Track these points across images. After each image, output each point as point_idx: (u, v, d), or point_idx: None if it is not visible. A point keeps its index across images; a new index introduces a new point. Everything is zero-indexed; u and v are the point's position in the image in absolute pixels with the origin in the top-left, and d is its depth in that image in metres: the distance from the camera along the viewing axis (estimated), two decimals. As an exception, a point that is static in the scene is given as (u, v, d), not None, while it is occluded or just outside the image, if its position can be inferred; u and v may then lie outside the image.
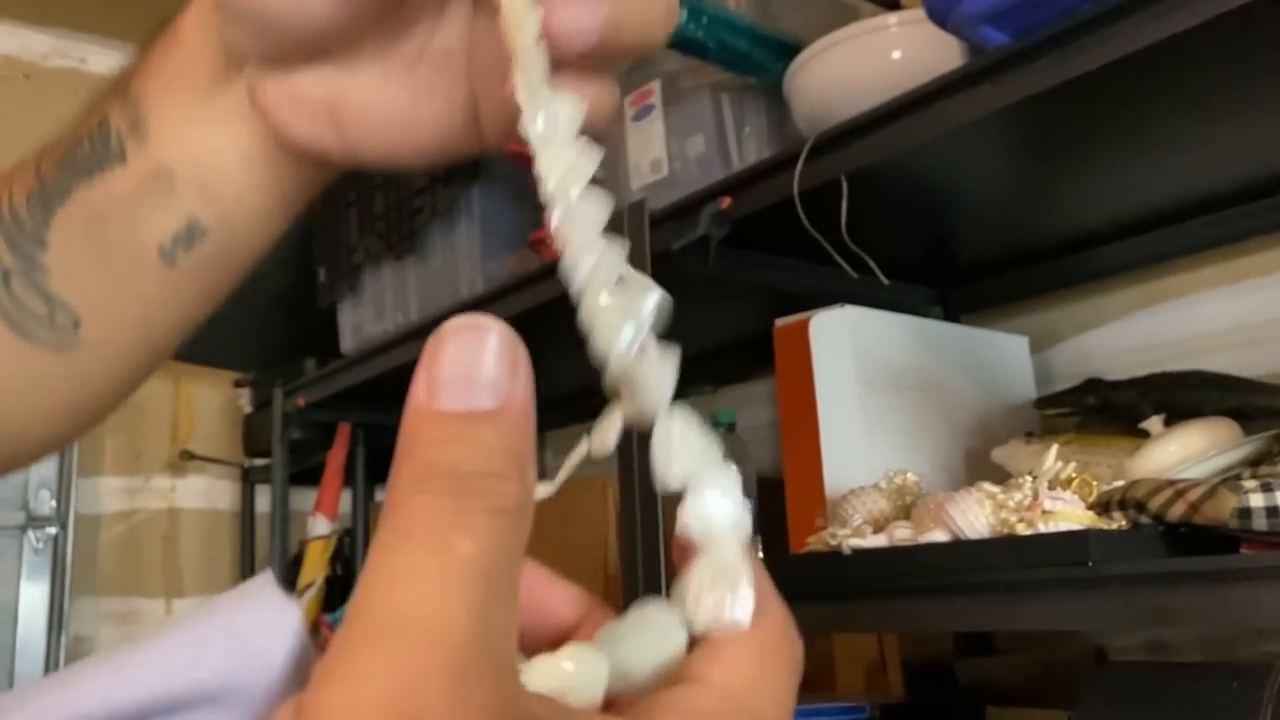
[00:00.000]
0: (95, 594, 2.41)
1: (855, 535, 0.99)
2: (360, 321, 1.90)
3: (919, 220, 1.22)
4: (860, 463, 1.10)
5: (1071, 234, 1.25)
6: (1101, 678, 0.89)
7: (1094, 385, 1.06)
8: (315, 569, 2.05)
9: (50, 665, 2.30)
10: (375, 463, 2.11)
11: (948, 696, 1.16)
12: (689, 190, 1.16)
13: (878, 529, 1.01)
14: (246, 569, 2.48)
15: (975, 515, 0.90)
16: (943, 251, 1.33)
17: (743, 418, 1.37)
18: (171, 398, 2.56)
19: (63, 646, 2.31)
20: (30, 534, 2.35)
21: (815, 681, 1.42)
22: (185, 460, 2.48)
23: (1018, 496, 0.89)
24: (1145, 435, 0.98)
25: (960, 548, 0.89)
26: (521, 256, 1.54)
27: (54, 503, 2.38)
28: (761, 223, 1.10)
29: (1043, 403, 1.11)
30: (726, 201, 1.10)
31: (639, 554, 1.18)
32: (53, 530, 2.36)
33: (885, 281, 1.16)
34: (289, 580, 2.11)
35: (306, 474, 2.16)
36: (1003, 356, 1.29)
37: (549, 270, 1.39)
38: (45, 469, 2.39)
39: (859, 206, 1.05)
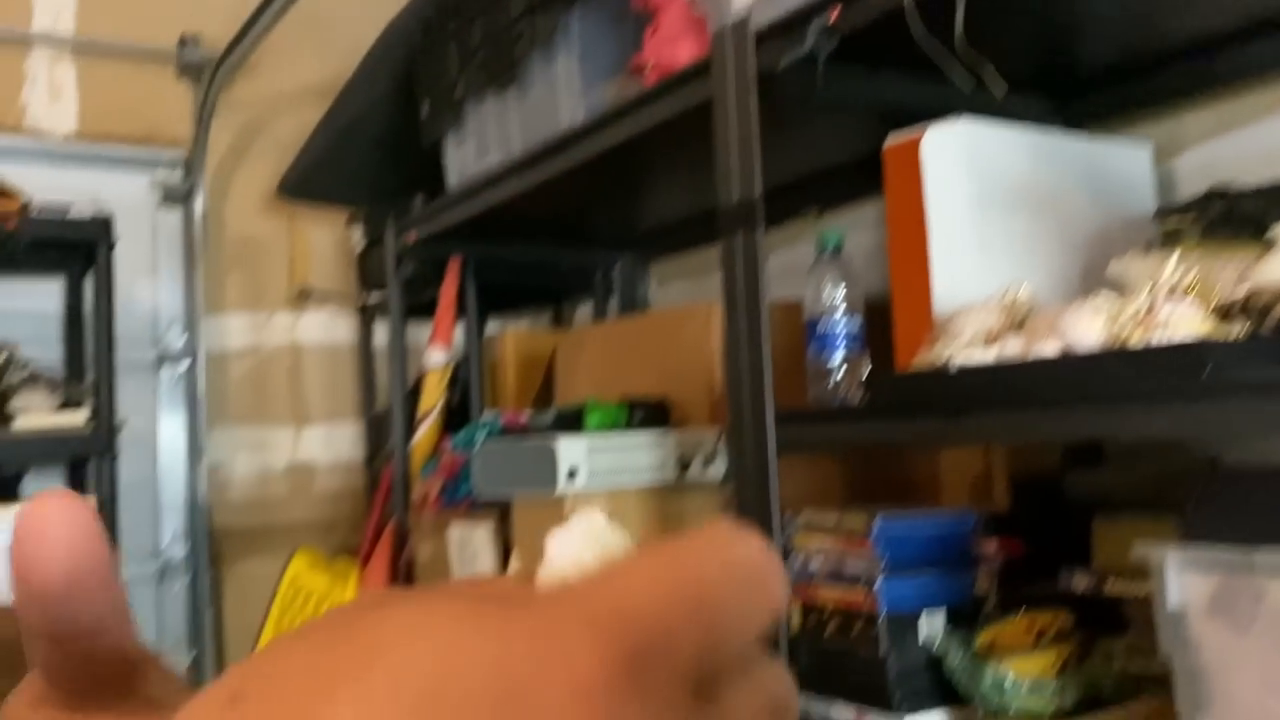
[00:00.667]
0: (229, 424, 2.56)
1: (964, 351, 1.00)
2: (465, 156, 1.92)
3: (1038, 25, 1.16)
4: (971, 281, 1.10)
5: (1200, 35, 1.19)
6: (1214, 483, 0.90)
7: (1219, 194, 1.03)
8: (433, 397, 2.15)
9: (191, 492, 2.47)
10: (486, 294, 2.17)
11: (1054, 508, 1.18)
12: (794, 4, 1.13)
13: (988, 345, 1.01)
14: (368, 400, 2.61)
15: (1089, 327, 0.90)
16: (1063, 58, 1.27)
17: (850, 241, 1.36)
18: (286, 236, 2.64)
19: (201, 474, 2.48)
20: (164, 369, 2.49)
21: (920, 497, 1.45)
22: (304, 297, 2.58)
23: (1133, 307, 0.88)
24: (1271, 244, 0.95)
25: (1072, 360, 0.89)
26: (622, 83, 1.52)
27: (184, 339, 2.51)
28: (871, 36, 1.07)
29: (1164, 214, 1.08)
30: (835, 13, 1.07)
31: (744, 375, 1.20)
32: (184, 365, 2.50)
33: (1002, 93, 1.12)
34: (409, 410, 2.21)
35: (421, 307, 2.23)
36: (1124, 167, 1.25)
37: (651, 97, 1.37)
38: (174, 307, 2.52)
39: (975, 13, 1.01)
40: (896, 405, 1.05)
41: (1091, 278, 1.13)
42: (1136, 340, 0.85)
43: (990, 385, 0.95)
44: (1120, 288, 0.97)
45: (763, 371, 1.18)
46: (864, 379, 1.16)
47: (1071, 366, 0.88)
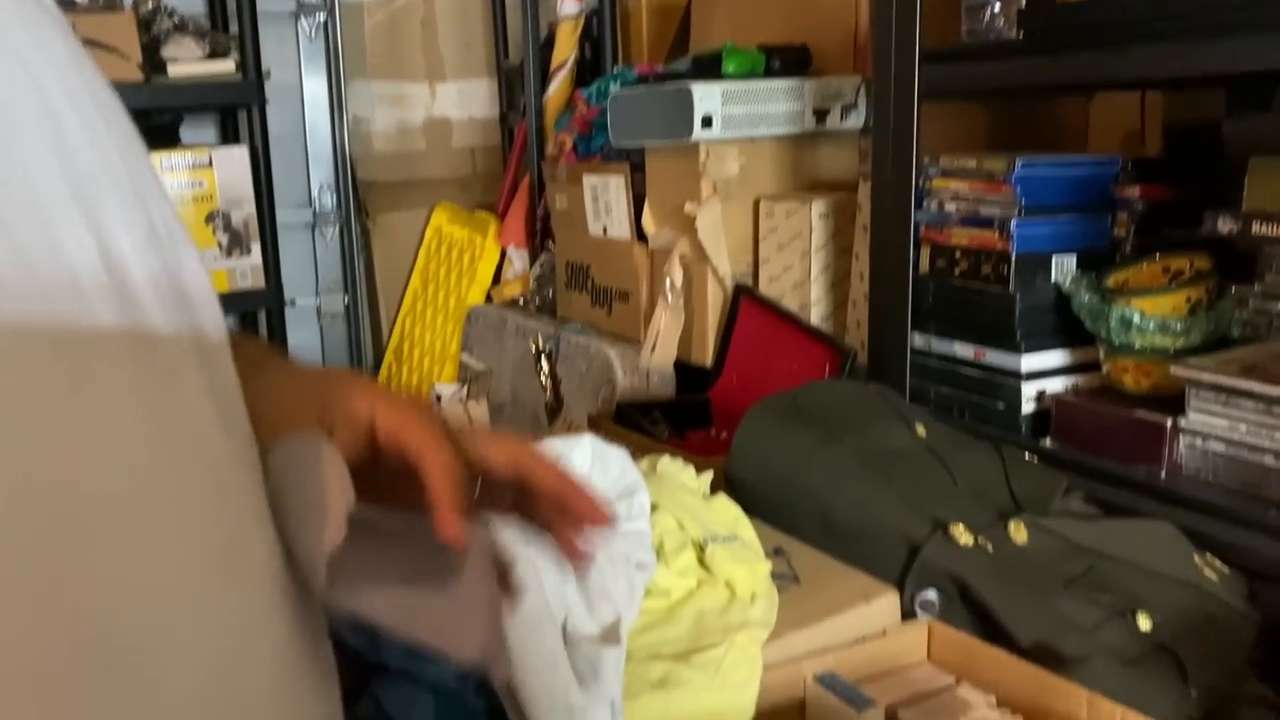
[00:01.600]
0: (367, 78, 2.60)
1: (1135, -23, 0.94)
2: None
3: None
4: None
5: None
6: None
7: None
8: (566, 49, 2.13)
9: (336, 143, 2.56)
10: (619, -61, 2.09)
11: (1209, 154, 1.13)
12: None
13: (1162, -30, 0.95)
14: (500, 53, 2.59)
15: (1280, -57, 0.83)
16: None
17: None
18: (412, -121, 2.54)
19: (345, 126, 2.55)
20: (302, 21, 2.51)
21: (1067, 149, 1.42)
22: (433, -57, 2.52)
23: (1335, -80, 0.81)
24: None
25: (1255, -19, 0.84)
26: None
27: (319, -10, 2.51)
28: None
29: None
30: None
31: (893, 9, 1.16)
32: (321, 17, 2.51)
33: None
34: (542, 63, 2.20)
35: (551, -47, 2.16)
36: None
37: None
38: (307, -45, 2.50)
39: None
40: (1056, 38, 1.01)
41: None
42: (1331, -44, 0.79)
43: (1160, 12, 0.90)
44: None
45: (913, 4, 1.13)
46: (1022, 9, 1.10)
47: (1253, -13, 0.83)
